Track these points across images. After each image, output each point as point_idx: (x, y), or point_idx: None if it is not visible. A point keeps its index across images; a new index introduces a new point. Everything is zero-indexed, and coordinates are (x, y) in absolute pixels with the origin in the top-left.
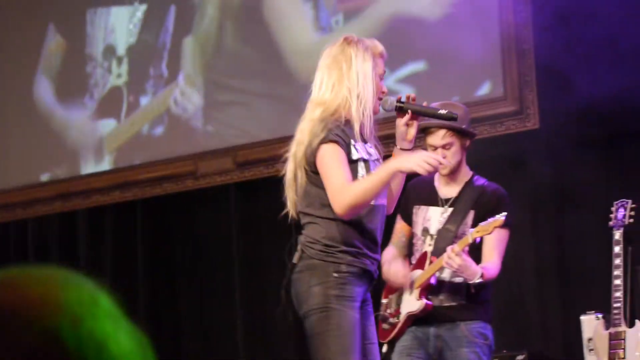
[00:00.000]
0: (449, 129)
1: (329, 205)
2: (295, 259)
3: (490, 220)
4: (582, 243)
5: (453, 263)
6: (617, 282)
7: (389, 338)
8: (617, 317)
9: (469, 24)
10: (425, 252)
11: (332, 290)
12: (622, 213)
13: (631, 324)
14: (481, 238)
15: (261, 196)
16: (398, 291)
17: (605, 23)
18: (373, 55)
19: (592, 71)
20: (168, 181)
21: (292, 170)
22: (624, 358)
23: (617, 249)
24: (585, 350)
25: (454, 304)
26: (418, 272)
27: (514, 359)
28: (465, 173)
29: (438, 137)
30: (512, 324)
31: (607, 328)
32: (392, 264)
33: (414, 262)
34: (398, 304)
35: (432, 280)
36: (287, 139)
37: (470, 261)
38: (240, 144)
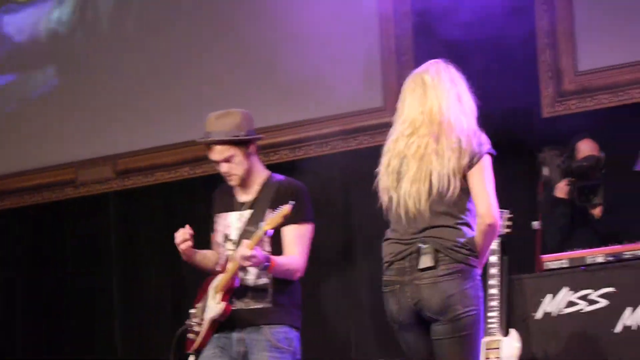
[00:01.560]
0: (225, 143)
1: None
2: (431, 262)
3: (277, 210)
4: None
5: (245, 258)
6: (493, 291)
7: (194, 347)
8: (492, 325)
9: (348, 34)
10: (227, 257)
11: (480, 292)
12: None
13: (506, 333)
14: (276, 231)
15: (141, 204)
16: (204, 299)
17: (486, 35)
18: None
19: (472, 82)
20: (47, 189)
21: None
22: None
23: (493, 259)
24: None
25: (259, 306)
26: (220, 276)
27: None
28: (260, 175)
29: (216, 153)
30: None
31: (482, 337)
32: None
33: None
34: (203, 312)
35: (235, 283)
36: (166, 148)
37: (261, 253)
38: (120, 152)
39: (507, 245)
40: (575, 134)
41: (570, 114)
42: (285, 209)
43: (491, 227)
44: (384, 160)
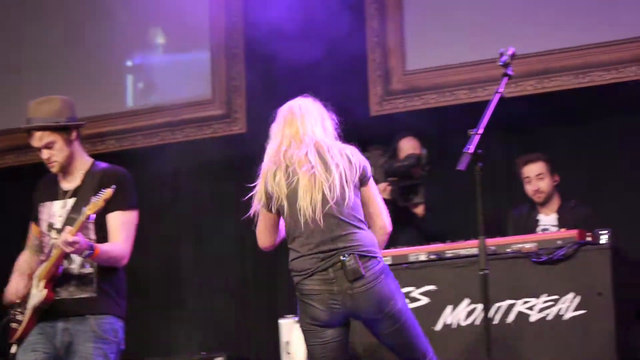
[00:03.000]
0: (45, 129)
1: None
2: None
3: (99, 194)
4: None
5: (67, 244)
6: None
7: (16, 336)
8: None
9: (177, 25)
10: (52, 246)
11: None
12: None
13: None
14: (102, 218)
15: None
16: (29, 289)
17: (317, 32)
18: None
19: (302, 79)
20: None
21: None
22: None
23: None
24: (283, 353)
25: (84, 296)
26: (44, 264)
27: None
28: (84, 163)
29: (36, 139)
30: (212, 326)
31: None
32: (12, 280)
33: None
34: (26, 301)
35: (59, 271)
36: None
37: (84, 240)
38: None
39: None
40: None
41: (398, 113)
42: (108, 192)
43: (388, 235)
44: (269, 175)
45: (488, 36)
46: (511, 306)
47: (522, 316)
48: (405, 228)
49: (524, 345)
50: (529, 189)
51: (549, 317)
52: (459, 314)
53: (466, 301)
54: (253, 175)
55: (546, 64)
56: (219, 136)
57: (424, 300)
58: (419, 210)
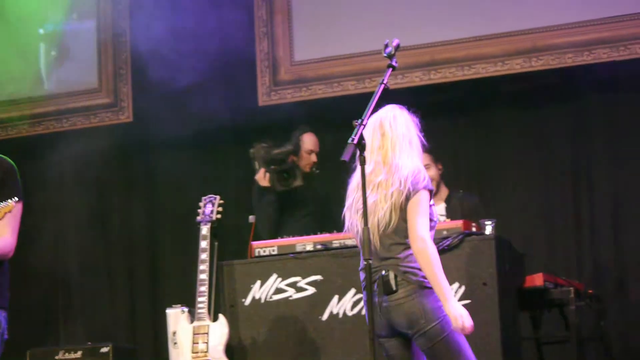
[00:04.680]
0: None
1: None
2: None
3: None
4: (173, 236)
5: None
6: (203, 276)
7: None
8: (201, 311)
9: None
10: None
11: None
12: (210, 209)
13: (215, 318)
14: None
15: None
16: None
17: (205, 21)
18: None
19: (190, 68)
20: None
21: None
22: (207, 351)
23: (203, 244)
24: (170, 344)
25: None
26: None
27: (98, 351)
28: None
29: None
30: (99, 316)
31: (191, 322)
32: None
33: None
34: None
35: None
36: None
37: None
38: None
39: (218, 231)
40: (291, 123)
41: (286, 104)
42: (9, 205)
43: (418, 249)
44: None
45: (376, 28)
46: None
47: None
48: (295, 216)
49: None
50: None
51: None
52: (345, 304)
53: (352, 291)
54: (139, 163)
55: (432, 56)
56: (105, 125)
57: (311, 290)
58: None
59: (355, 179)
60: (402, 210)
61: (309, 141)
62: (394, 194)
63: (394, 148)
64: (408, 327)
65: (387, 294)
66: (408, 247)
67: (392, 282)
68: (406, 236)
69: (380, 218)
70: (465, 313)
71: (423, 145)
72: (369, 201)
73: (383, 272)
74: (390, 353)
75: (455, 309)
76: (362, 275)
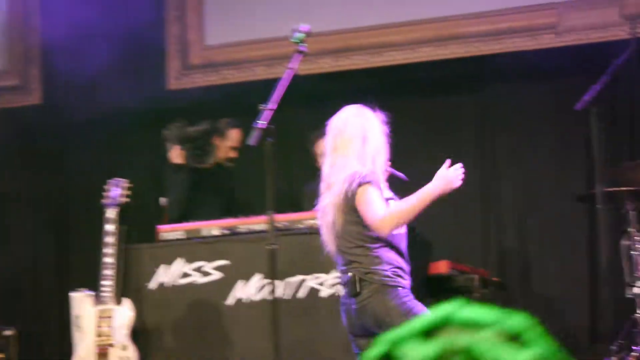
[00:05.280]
0: None
1: None
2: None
3: None
4: (80, 220)
5: None
6: (108, 260)
7: None
8: (106, 294)
9: None
10: None
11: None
12: (117, 192)
13: (120, 302)
14: None
15: None
16: None
17: (116, 2)
18: None
19: (100, 51)
20: None
21: None
22: (111, 335)
23: (109, 227)
24: (74, 327)
25: None
26: None
27: (1, 334)
28: None
29: None
30: (2, 300)
31: (96, 305)
32: None
33: None
34: None
35: None
36: None
37: None
38: None
39: (132, 216)
40: (202, 107)
41: (196, 88)
42: None
43: (384, 229)
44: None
45: (287, 13)
46: (302, 281)
47: (313, 291)
48: (207, 201)
49: (315, 320)
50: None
51: (340, 293)
52: (251, 289)
53: (258, 276)
54: (48, 146)
55: (342, 43)
56: (13, 107)
57: (217, 275)
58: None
59: (322, 181)
60: (347, 213)
61: (234, 138)
62: (336, 198)
63: (343, 149)
64: (376, 326)
65: (353, 296)
66: (367, 248)
67: (357, 284)
68: (359, 237)
69: (331, 222)
70: (445, 174)
71: (388, 143)
72: (324, 203)
73: (349, 275)
74: (361, 349)
75: (439, 185)
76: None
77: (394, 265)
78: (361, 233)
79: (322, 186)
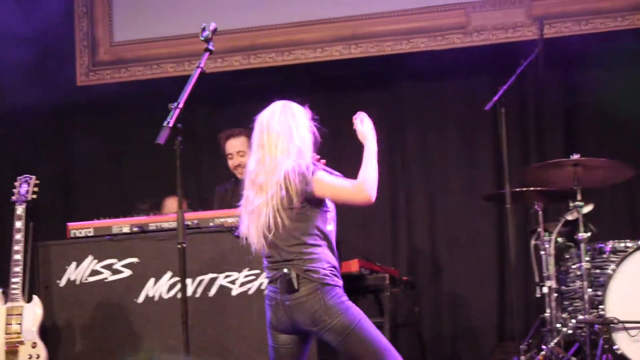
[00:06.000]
0: None
1: None
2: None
3: None
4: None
5: None
6: (17, 257)
7: None
8: (15, 292)
9: None
10: None
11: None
12: (25, 188)
13: (29, 299)
14: None
15: None
16: None
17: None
18: None
19: (6, 48)
20: None
21: None
22: (20, 333)
23: (18, 224)
24: None
25: None
26: None
27: None
28: None
29: None
30: None
31: (5, 302)
32: None
33: None
34: None
35: None
36: None
37: None
38: None
39: (34, 211)
40: (111, 104)
41: (105, 84)
42: None
43: (363, 194)
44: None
45: (196, 11)
46: (213, 280)
47: (224, 290)
48: None
49: (225, 318)
50: (231, 164)
51: (251, 291)
52: (161, 287)
53: (168, 274)
54: None
55: (252, 41)
56: None
57: (127, 273)
58: None
59: (248, 177)
60: (288, 209)
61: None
62: (274, 198)
63: (271, 146)
64: (312, 324)
65: (289, 293)
66: (308, 245)
67: (294, 281)
68: (303, 234)
69: (265, 222)
70: (365, 129)
71: (316, 140)
72: (255, 203)
73: (285, 270)
74: (278, 344)
75: (369, 138)
76: (267, 273)
77: (331, 264)
78: (307, 231)
79: (248, 182)
